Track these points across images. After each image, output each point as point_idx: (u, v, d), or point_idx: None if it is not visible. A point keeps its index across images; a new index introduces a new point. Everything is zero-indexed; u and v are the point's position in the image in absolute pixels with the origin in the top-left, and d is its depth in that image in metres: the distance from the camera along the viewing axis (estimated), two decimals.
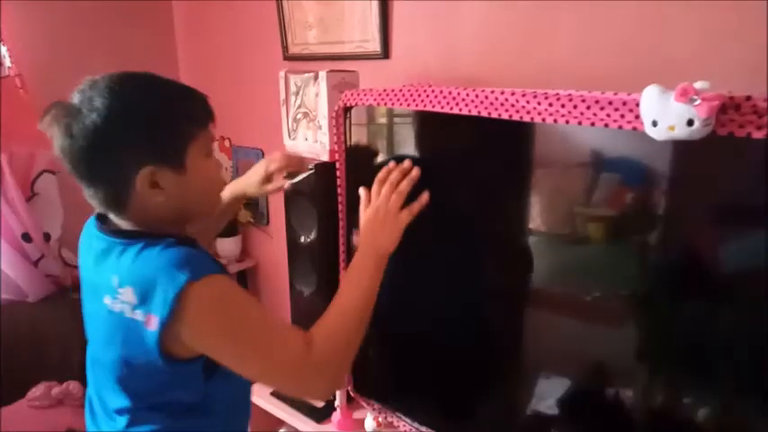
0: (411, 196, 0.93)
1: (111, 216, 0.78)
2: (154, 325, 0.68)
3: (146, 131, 0.72)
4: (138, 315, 0.69)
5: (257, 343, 0.73)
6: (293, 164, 1.09)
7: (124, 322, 0.71)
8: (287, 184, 1.06)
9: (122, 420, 0.78)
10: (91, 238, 0.79)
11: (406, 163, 0.94)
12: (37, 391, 1.53)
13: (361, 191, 0.96)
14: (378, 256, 0.88)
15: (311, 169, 1.20)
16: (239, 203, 1.13)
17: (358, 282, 0.85)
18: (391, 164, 0.96)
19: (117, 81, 0.72)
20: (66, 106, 0.72)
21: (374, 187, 0.93)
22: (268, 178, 1.06)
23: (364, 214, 0.93)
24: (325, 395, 0.78)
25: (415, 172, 0.94)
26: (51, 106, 0.72)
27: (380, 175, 0.94)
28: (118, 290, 0.70)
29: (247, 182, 1.08)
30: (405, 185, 0.92)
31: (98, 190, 0.73)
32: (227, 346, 0.73)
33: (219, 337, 0.72)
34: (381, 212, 0.89)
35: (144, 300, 0.69)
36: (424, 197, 0.92)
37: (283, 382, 0.80)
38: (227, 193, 1.07)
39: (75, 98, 0.72)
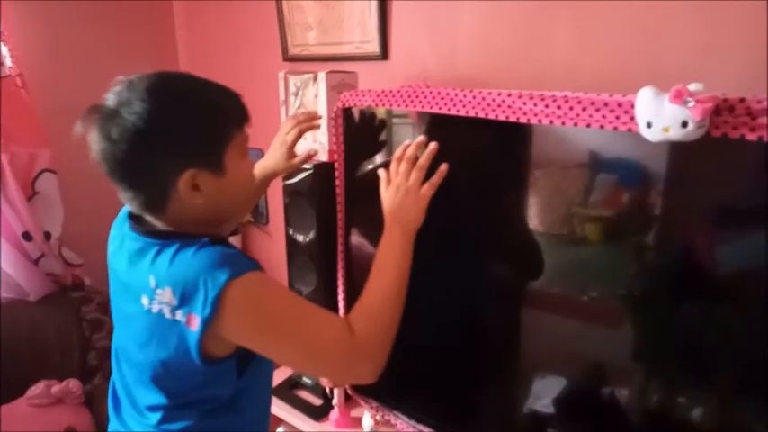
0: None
1: (147, 217, 0.77)
2: (195, 325, 0.69)
3: (187, 135, 0.71)
4: (179, 316, 0.70)
5: (300, 333, 0.74)
6: (305, 124, 1.07)
7: (163, 323, 0.71)
8: (312, 150, 1.05)
9: (154, 417, 0.78)
10: (123, 238, 0.79)
11: (422, 138, 0.93)
12: (36, 389, 1.52)
13: (381, 172, 0.95)
14: (405, 233, 0.87)
15: (310, 169, 1.21)
16: (267, 185, 1.11)
17: (389, 261, 0.85)
18: (407, 141, 0.94)
19: (155, 83, 0.71)
20: (103, 109, 0.70)
21: (392, 166, 0.92)
22: (291, 152, 1.05)
23: (386, 194, 0.91)
24: (372, 377, 0.77)
25: (433, 146, 0.92)
26: (89, 110, 0.72)
27: (397, 153, 0.93)
28: (156, 290, 0.70)
29: (274, 161, 1.06)
30: (424, 160, 0.91)
31: (138, 194, 0.73)
32: (272, 340, 0.74)
33: (263, 331, 0.73)
34: (403, 189, 0.89)
35: (184, 300, 0.69)
36: (443, 168, 0.90)
37: (330, 370, 0.79)
38: (256, 176, 1.04)
39: (112, 100, 0.71)
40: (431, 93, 0.97)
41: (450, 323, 1.09)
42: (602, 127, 0.77)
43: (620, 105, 0.75)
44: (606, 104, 0.77)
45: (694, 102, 0.67)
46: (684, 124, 0.68)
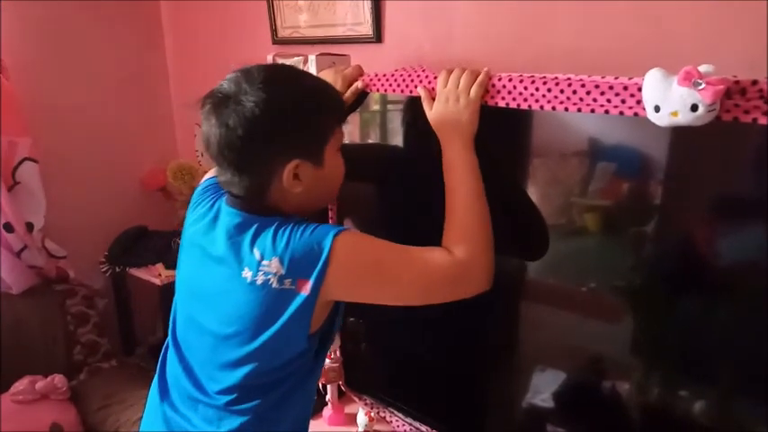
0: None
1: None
2: (307, 288, 0.73)
3: (298, 126, 0.76)
4: (287, 284, 0.74)
5: (409, 268, 0.78)
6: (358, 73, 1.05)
7: (270, 293, 0.74)
8: (360, 83, 1.03)
9: (223, 398, 0.81)
10: (218, 213, 0.82)
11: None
12: (20, 385, 1.49)
13: (420, 89, 0.92)
14: (464, 141, 0.85)
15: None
16: None
17: (460, 174, 0.85)
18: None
19: (271, 74, 0.76)
20: (220, 96, 0.74)
21: (440, 78, 0.89)
22: (346, 87, 1.04)
23: (433, 110, 0.89)
24: (488, 285, 0.82)
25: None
26: (205, 96, 0.76)
27: (446, 70, 0.90)
28: (261, 262, 0.74)
29: None
30: (474, 68, 0.87)
31: (243, 178, 0.77)
32: (384, 280, 0.78)
33: (375, 273, 0.78)
34: (453, 96, 0.86)
35: (293, 268, 0.73)
36: (486, 68, 0.87)
37: (444, 293, 0.81)
38: None
39: (228, 87, 0.74)
40: (426, 77, 0.94)
41: (445, 317, 1.06)
42: (607, 112, 0.75)
43: (626, 89, 0.73)
44: (611, 88, 0.74)
45: (705, 84, 0.64)
46: (694, 108, 0.65)
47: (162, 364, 0.92)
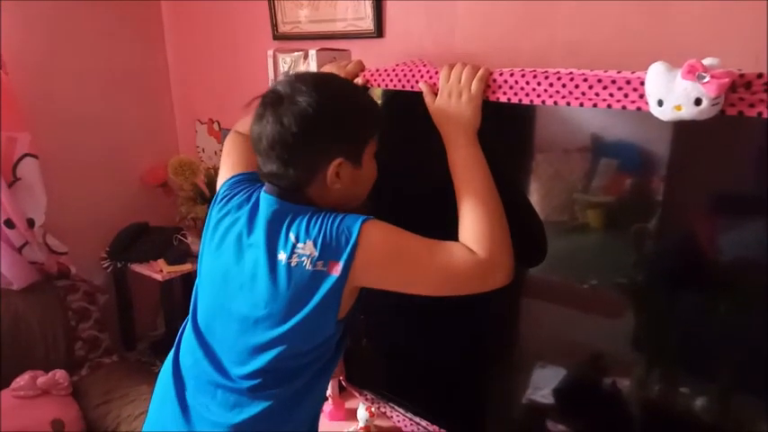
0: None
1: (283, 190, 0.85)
2: (338, 270, 0.78)
3: (345, 127, 0.82)
4: (320, 266, 0.78)
5: (431, 254, 0.81)
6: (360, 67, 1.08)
7: (303, 275, 0.79)
8: (360, 79, 1.04)
9: (247, 383, 0.83)
10: (256, 202, 0.86)
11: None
12: (21, 380, 1.50)
13: (422, 84, 0.92)
14: (468, 137, 0.86)
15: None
16: None
17: (467, 170, 0.86)
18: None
19: (322, 80, 0.85)
20: (275, 96, 0.80)
21: (442, 73, 0.90)
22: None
23: (435, 105, 0.90)
24: (509, 280, 0.84)
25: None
26: (263, 95, 0.82)
27: (447, 65, 0.91)
28: (297, 245, 0.79)
29: None
30: (474, 64, 0.88)
31: (289, 171, 0.81)
32: (409, 267, 0.82)
33: (401, 261, 0.81)
34: (455, 91, 0.87)
35: (325, 250, 0.78)
36: (485, 67, 0.88)
37: (466, 284, 0.83)
38: None
39: (283, 88, 0.80)
40: (428, 71, 0.93)
41: (447, 312, 1.05)
42: (609, 106, 0.74)
43: (628, 82, 0.72)
44: (614, 81, 0.73)
45: (709, 77, 0.63)
46: (698, 102, 0.64)
47: (176, 352, 0.93)
